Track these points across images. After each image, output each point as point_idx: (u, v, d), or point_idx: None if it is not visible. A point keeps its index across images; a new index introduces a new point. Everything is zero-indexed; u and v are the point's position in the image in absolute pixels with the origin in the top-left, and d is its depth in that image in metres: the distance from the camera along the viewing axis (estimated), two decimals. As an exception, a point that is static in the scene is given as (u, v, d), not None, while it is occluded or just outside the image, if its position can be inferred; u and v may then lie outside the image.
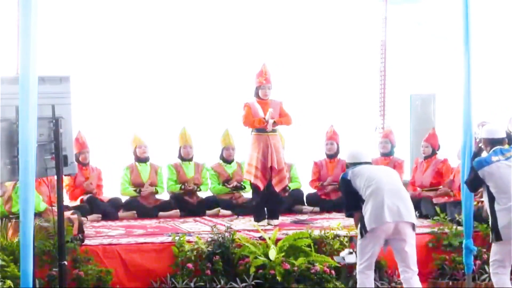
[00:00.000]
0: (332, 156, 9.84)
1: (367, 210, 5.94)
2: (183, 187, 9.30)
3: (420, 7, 11.48)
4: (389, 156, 9.70)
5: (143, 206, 9.11)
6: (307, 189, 9.82)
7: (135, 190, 9.17)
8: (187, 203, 9.25)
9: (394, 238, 6.01)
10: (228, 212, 9.22)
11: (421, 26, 11.60)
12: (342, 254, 6.64)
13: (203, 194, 9.52)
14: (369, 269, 6.09)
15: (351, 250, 6.52)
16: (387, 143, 9.75)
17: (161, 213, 9.05)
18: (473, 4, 6.13)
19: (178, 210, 9.12)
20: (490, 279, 7.31)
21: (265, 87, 8.37)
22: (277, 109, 8.40)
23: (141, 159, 9.26)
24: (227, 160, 9.57)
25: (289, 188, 9.48)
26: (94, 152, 9.16)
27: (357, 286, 6.17)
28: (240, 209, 9.17)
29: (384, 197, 5.90)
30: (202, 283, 6.80)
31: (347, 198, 6.28)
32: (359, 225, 6.05)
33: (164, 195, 9.41)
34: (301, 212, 9.48)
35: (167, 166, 9.41)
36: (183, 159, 9.45)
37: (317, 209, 9.55)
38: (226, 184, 9.47)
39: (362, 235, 6.00)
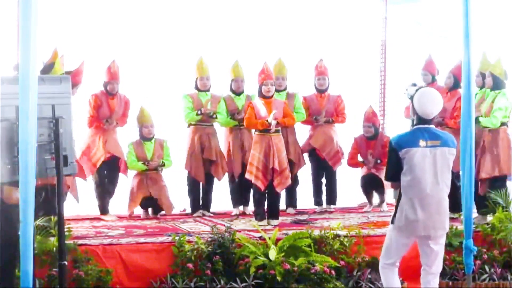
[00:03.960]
0: (322, 91, 9.55)
1: (402, 209, 5.76)
2: (200, 112, 9.02)
3: (420, 7, 11.48)
4: None
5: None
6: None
7: (143, 163, 8.93)
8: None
9: (422, 237, 5.87)
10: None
11: (421, 26, 11.59)
12: (407, 87, 6.10)
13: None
14: (394, 266, 5.94)
15: (415, 83, 6.08)
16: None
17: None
18: (473, 4, 6.12)
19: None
20: (490, 279, 7.36)
21: (267, 83, 8.38)
22: (281, 109, 8.41)
23: (146, 139, 9.08)
24: (236, 92, 9.23)
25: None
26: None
27: (382, 282, 6.04)
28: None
29: (423, 211, 5.72)
30: (202, 283, 6.81)
31: (390, 166, 5.92)
32: (392, 213, 5.90)
33: None
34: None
35: (183, 96, 9.12)
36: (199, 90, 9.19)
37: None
38: (233, 116, 9.12)
39: (393, 222, 5.85)
